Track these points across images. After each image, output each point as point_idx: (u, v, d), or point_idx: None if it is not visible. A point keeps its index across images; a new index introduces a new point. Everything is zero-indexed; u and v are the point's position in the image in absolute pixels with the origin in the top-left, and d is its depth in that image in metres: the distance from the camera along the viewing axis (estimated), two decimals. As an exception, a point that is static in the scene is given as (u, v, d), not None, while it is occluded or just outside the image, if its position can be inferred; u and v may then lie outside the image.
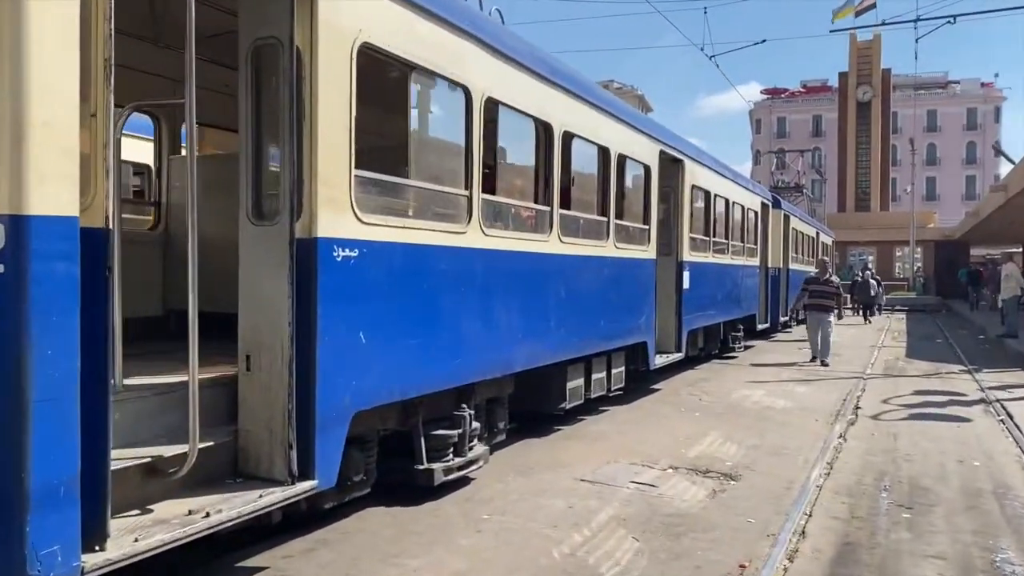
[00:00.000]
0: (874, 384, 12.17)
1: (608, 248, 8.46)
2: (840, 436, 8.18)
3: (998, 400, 10.55)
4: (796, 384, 11.96)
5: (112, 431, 3.18)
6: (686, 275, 11.43)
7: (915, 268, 45.58)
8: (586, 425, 8.55)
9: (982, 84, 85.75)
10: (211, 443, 3.95)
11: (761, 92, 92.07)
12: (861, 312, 30.49)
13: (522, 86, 6.49)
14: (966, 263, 43.21)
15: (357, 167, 4.55)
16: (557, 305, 7.28)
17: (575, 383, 8.07)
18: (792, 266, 22.16)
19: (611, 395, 9.22)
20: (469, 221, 5.71)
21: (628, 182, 9.22)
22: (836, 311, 15.08)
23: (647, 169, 9.76)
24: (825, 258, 17.54)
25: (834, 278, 15.38)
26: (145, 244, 6.53)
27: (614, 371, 9.20)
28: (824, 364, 14.16)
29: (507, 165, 6.72)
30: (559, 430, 8.21)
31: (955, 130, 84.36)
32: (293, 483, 4.07)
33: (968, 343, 19.67)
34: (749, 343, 17.78)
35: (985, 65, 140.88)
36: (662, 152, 10.35)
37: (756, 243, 16.94)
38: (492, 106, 6.04)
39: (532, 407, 7.94)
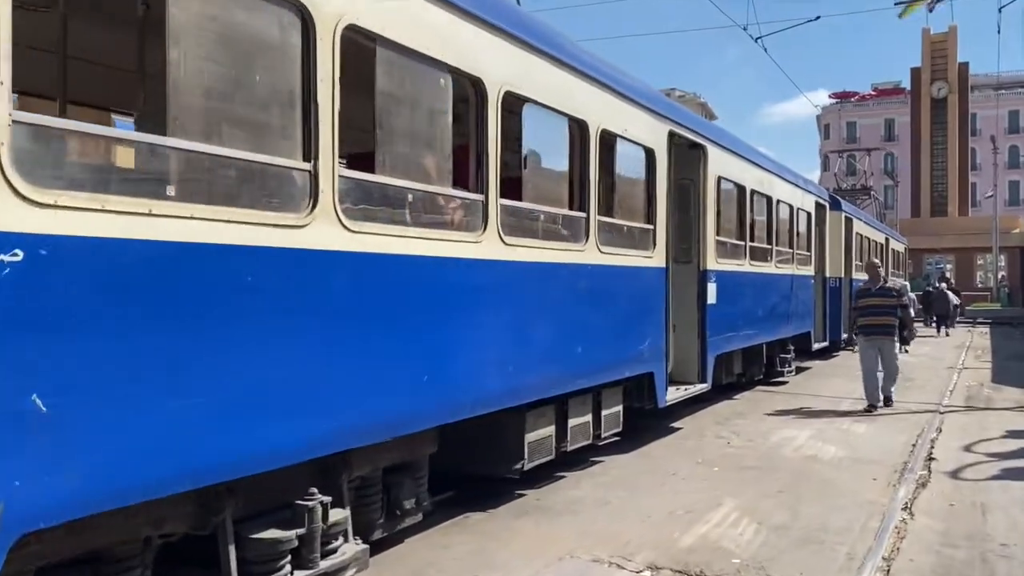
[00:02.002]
0: (954, 420, 9.77)
1: (588, 253, 6.43)
2: (906, 507, 5.95)
3: (1121, 447, 8.11)
4: (854, 421, 9.65)
5: None
6: (711, 287, 9.28)
7: (999, 277, 41.80)
8: (560, 487, 6.50)
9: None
10: None
11: (829, 96, 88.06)
12: (935, 325, 27.63)
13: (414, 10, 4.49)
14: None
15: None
16: (500, 332, 5.28)
17: (540, 433, 6.04)
18: (856, 275, 19.59)
19: (601, 443, 7.15)
20: (312, 211, 3.76)
21: (620, 169, 7.16)
22: (904, 331, 10.96)
23: (650, 154, 7.68)
24: (875, 259, 12.51)
25: (895, 282, 11.71)
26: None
27: (605, 412, 7.14)
28: (888, 403, 10.58)
29: (398, 131, 4.74)
30: (520, 496, 6.19)
31: (1040, 130, 78.98)
32: None
33: (1068, 364, 16.83)
34: (805, 364, 15.41)
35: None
36: (673, 134, 8.26)
37: (810, 249, 14.58)
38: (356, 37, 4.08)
39: (475, 469, 5.95)
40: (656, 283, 7.87)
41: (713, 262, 9.38)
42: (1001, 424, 9.49)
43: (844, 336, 16.80)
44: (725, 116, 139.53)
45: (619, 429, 7.43)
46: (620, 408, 7.44)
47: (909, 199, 51.13)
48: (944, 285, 29.45)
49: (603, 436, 7.14)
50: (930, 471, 7.12)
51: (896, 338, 10.52)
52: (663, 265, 8.00)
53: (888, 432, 8.92)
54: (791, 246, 13.17)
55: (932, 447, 8.13)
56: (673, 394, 8.44)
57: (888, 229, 28.23)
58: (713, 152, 9.33)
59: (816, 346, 15.14)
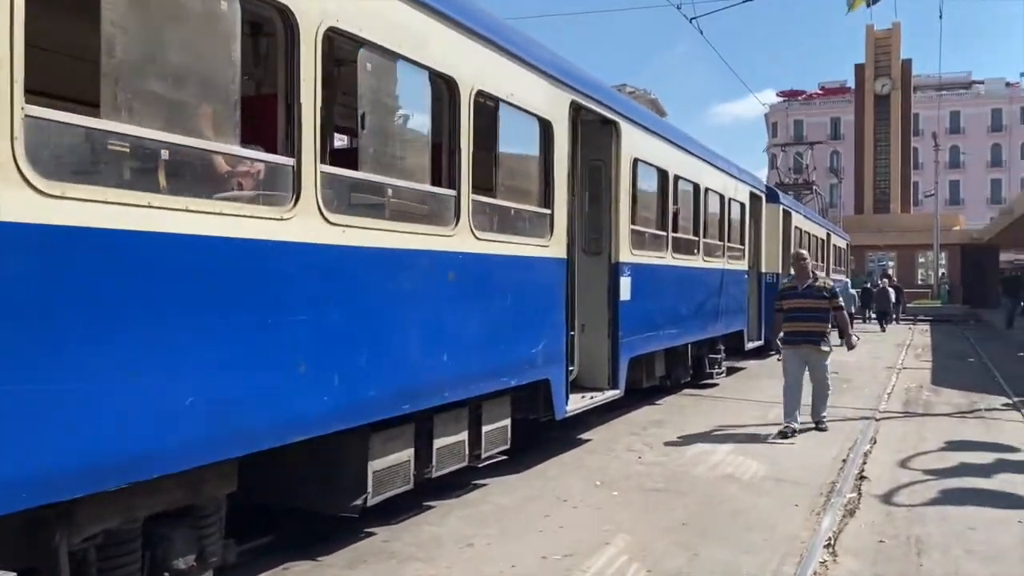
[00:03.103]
0: (890, 430, 8.91)
1: (458, 239, 5.31)
2: (829, 544, 4.98)
3: (1068, 460, 7.31)
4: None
5: None
6: (625, 282, 8.25)
7: (939, 274, 41.93)
8: (421, 522, 5.37)
9: (1007, 84, 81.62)
10: None
11: (777, 95, 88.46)
12: (877, 322, 27.48)
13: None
14: (996, 269, 39.63)
15: None
16: (320, 337, 4.14)
17: (391, 460, 4.91)
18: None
19: (480, 464, 6.06)
20: None
21: (505, 141, 6.06)
22: (843, 337, 9.29)
23: (546, 126, 6.60)
24: (803, 251, 10.06)
25: (825, 281, 9.16)
26: None
27: (488, 428, 6.04)
28: (820, 426, 8.70)
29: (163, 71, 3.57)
30: (366, 536, 5.06)
31: (979, 132, 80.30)
32: None
33: (1007, 363, 16.28)
34: (738, 365, 14.57)
35: (1010, 64, 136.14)
36: (578, 106, 7.20)
37: (743, 243, 13.70)
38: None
39: (306, 505, 4.81)
40: (554, 276, 6.81)
41: (627, 254, 8.35)
42: (939, 433, 8.66)
43: (761, 342, 15.12)
44: (676, 114, 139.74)
45: (506, 446, 6.34)
46: (507, 422, 6.35)
47: (852, 195, 51.18)
48: (886, 282, 29.27)
49: (484, 456, 6.04)
50: (860, 494, 6.19)
51: (825, 347, 8.66)
52: (563, 256, 6.93)
53: (818, 445, 8.00)
54: (722, 239, 12.24)
55: (865, 462, 7.23)
56: (577, 403, 7.39)
57: (830, 225, 27.73)
58: (628, 130, 8.30)
59: (750, 345, 14.27)
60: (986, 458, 7.44)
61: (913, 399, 11.33)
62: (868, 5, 33.67)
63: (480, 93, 5.55)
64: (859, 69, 47.91)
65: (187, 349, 3.41)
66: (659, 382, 10.62)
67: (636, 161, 8.61)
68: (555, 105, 6.72)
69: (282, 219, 3.87)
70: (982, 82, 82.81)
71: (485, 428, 6.00)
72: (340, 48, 4.33)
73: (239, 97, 3.70)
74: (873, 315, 28.37)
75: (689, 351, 11.20)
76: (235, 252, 3.63)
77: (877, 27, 46.70)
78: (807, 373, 8.74)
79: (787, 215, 17.63)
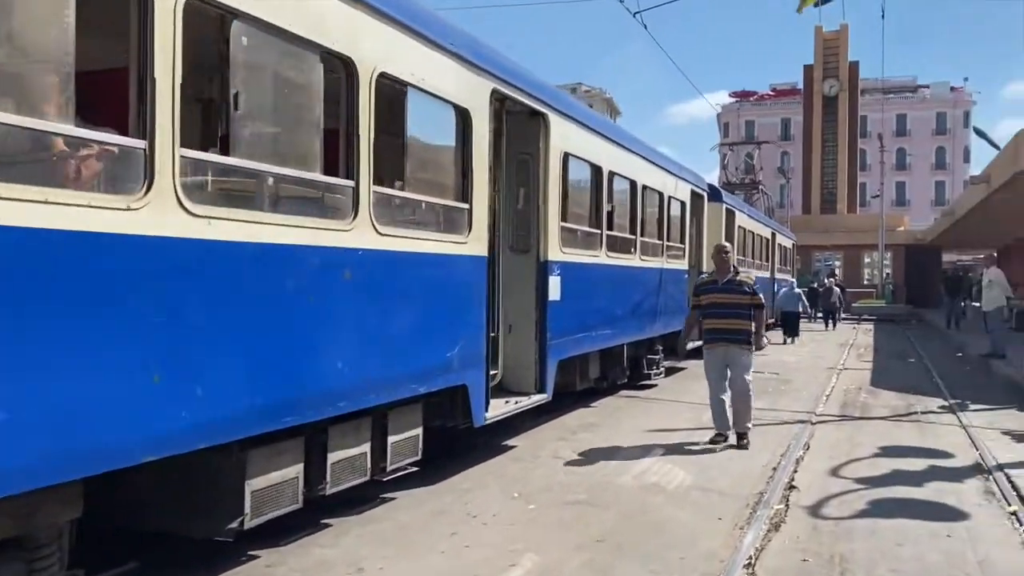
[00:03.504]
0: (824, 434, 8.70)
1: (357, 233, 4.87)
2: (749, 564, 4.66)
3: (1000, 467, 7.13)
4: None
5: None
6: (554, 281, 7.90)
7: (884, 275, 42.50)
8: (312, 543, 4.92)
9: (952, 88, 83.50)
10: None
11: (729, 95, 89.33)
12: (823, 320, 27.80)
13: None
14: (939, 269, 40.32)
15: None
16: (179, 341, 3.67)
17: (273, 477, 4.45)
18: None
19: (385, 478, 5.62)
20: None
21: (414, 129, 5.63)
22: (752, 338, 7.88)
23: (464, 115, 6.19)
24: (725, 243, 9.05)
25: (747, 276, 8.24)
26: None
27: (395, 439, 5.60)
28: (742, 442, 7.84)
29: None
30: (248, 559, 4.59)
31: (924, 135, 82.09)
32: None
33: (946, 364, 16.35)
34: (679, 365, 14.32)
35: (955, 70, 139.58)
36: (500, 95, 6.82)
37: (684, 241, 13.47)
38: None
39: (175, 528, 4.34)
40: (473, 275, 6.41)
41: (557, 252, 8.00)
42: (874, 438, 8.46)
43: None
44: (632, 115, 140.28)
45: (416, 458, 5.91)
46: (418, 432, 5.93)
47: (800, 196, 51.72)
48: (832, 281, 29.57)
49: (390, 470, 5.61)
50: (788, 505, 5.90)
51: (748, 350, 7.88)
52: (483, 253, 6.53)
53: (750, 450, 7.73)
54: (661, 237, 11.98)
55: (796, 470, 6.97)
56: (499, 409, 7.01)
57: (776, 224, 27.81)
58: (558, 123, 7.93)
59: (690, 345, 14.01)
60: (919, 465, 7.24)
61: (851, 401, 11.19)
62: (816, 5, 34.00)
63: (384, 76, 5.11)
64: (808, 70, 48.33)
65: (9, 358, 2.93)
66: (595, 384, 10.32)
67: (567, 155, 8.25)
68: (474, 93, 6.32)
69: (130, 209, 3.40)
70: (928, 86, 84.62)
71: (391, 439, 5.57)
72: (205, 17, 3.85)
73: (72, 70, 3.22)
74: (819, 314, 28.57)
75: (625, 352, 10.91)
76: (67, 246, 3.15)
77: (826, 29, 47.17)
78: (731, 378, 7.90)
79: (730, 214, 17.49)
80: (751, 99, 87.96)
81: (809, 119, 48.27)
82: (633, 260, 10.72)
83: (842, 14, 68.74)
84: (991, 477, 6.80)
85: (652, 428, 8.74)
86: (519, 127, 7.68)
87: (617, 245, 10.14)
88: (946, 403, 10.94)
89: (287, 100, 4.66)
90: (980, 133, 36.45)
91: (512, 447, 7.75)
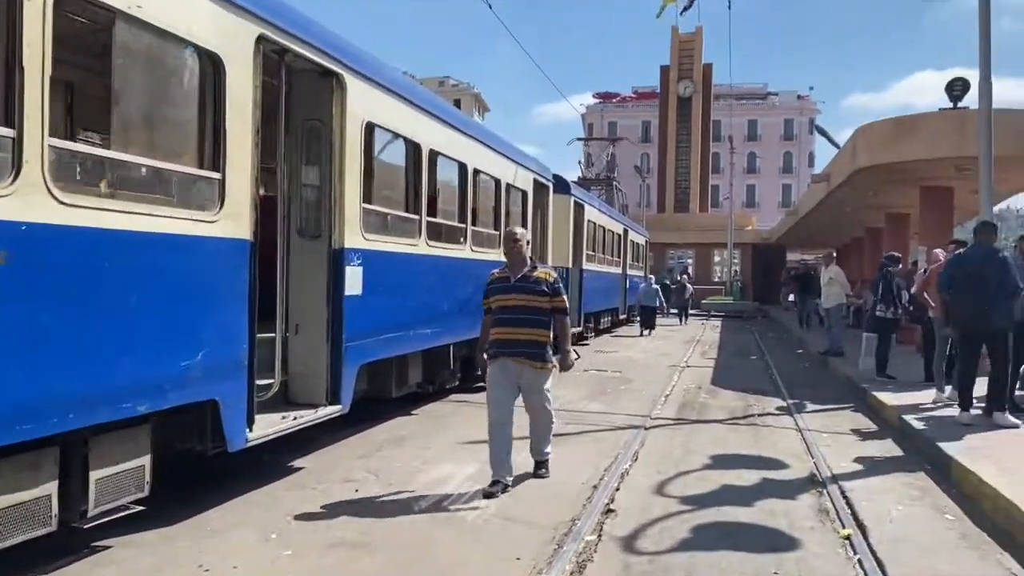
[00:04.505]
0: (656, 442, 7.99)
1: (20, 202, 3.55)
2: (537, 626, 3.70)
3: (834, 478, 6.59)
4: (539, 447, 7.55)
5: None
6: (353, 272, 6.75)
7: (733, 272, 43.82)
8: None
9: (798, 96, 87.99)
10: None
11: (593, 96, 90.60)
12: (677, 315, 28.79)
13: None
14: (783, 267, 41.88)
15: None
16: None
17: None
18: (589, 266, 18.25)
19: (88, 525, 4.31)
20: None
21: (131, 72, 4.35)
22: (560, 348, 6.31)
23: (214, 63, 4.92)
24: (517, 229, 6.55)
25: (547, 272, 6.26)
26: None
27: (100, 474, 4.30)
28: (541, 469, 6.38)
29: None
30: None
31: (773, 140, 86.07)
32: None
33: (786, 361, 16.38)
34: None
35: (802, 78, 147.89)
36: (273, 44, 5.60)
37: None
38: None
39: None
40: (226, 262, 5.17)
41: (358, 238, 6.85)
42: (708, 445, 7.82)
43: (578, 329, 14.15)
44: (500, 114, 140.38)
45: (143, 494, 4.63)
46: (144, 461, 4.64)
47: (656, 195, 52.71)
48: (685, 278, 30.28)
49: (95, 513, 4.30)
50: (600, 536, 5.02)
51: (547, 364, 6.12)
52: (244, 236, 5.29)
53: (571, 463, 6.86)
54: (498, 227, 11.04)
55: (618, 488, 6.15)
56: (271, 426, 5.79)
57: (629, 221, 27.74)
58: (358, 87, 6.78)
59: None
60: (751, 478, 6.59)
61: (690, 402, 10.64)
62: (681, 13, 34.40)
63: (70, -6, 3.82)
64: (664, 71, 49.31)
65: None
66: (418, 388, 9.25)
67: (372, 126, 7.11)
68: (229, 36, 5.06)
69: None
70: (777, 94, 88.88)
71: (96, 474, 4.27)
72: None
73: None
74: (673, 310, 29.16)
75: (453, 352, 9.90)
76: None
77: (682, 31, 48.15)
78: (527, 400, 6.25)
79: (579, 207, 16.90)
80: (614, 100, 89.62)
81: (665, 119, 49.30)
82: (463, 251, 9.73)
83: (698, 17, 71.15)
84: (825, 491, 6.22)
85: (471, 439, 7.74)
86: (309, 88, 6.50)
87: (442, 234, 9.11)
88: (784, 403, 10.59)
89: None
90: (821, 131, 37.99)
91: (298, 469, 6.55)
